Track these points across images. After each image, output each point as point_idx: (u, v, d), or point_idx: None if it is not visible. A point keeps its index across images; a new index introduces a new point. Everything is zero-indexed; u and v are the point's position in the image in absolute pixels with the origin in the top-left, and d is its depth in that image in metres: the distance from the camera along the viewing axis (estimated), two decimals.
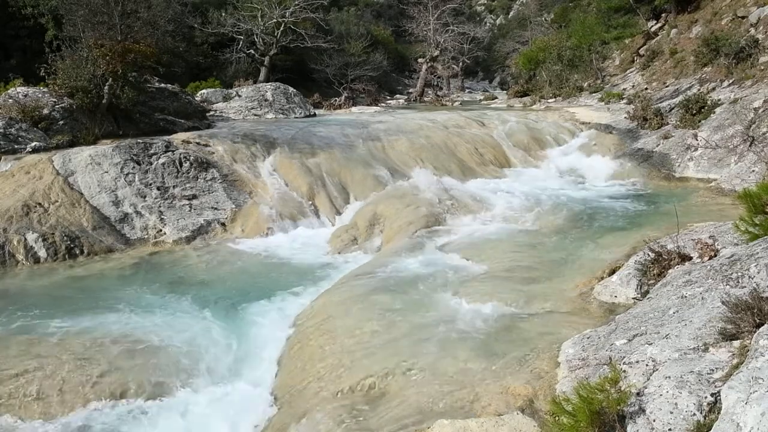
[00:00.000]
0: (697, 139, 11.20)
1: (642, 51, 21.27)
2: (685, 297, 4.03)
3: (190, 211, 9.42)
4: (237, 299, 6.57)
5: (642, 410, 2.79)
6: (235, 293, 6.80)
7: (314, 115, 19.24)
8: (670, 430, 2.63)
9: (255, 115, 17.62)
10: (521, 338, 4.58)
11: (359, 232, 8.93)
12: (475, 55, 35.59)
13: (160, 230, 8.93)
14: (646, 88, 17.54)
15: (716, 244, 4.85)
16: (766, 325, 2.90)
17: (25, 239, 7.86)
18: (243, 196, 10.12)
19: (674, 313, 3.83)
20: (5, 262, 7.58)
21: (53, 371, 4.88)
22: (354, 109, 22.38)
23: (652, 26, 21.80)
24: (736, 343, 3.03)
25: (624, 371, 3.19)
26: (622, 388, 2.84)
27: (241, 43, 24.41)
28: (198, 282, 7.22)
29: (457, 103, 27.20)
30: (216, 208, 9.62)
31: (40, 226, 8.16)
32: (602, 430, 2.81)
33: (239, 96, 18.42)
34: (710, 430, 2.46)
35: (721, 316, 3.25)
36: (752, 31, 14.66)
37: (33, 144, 10.07)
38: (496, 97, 29.19)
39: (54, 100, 11.33)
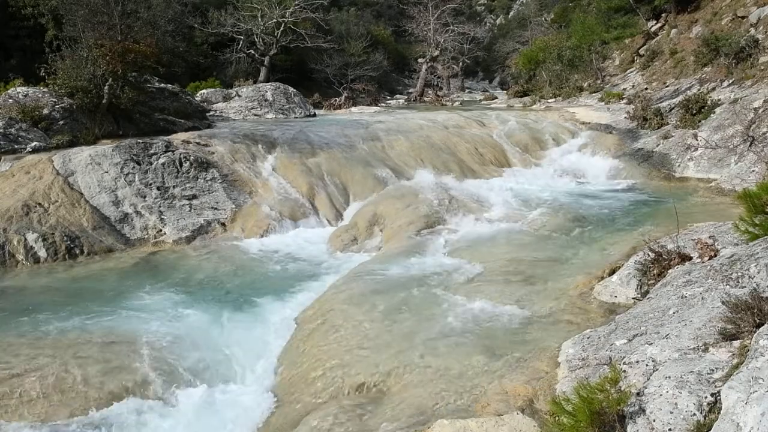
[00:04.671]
0: (697, 139, 11.20)
1: (642, 51, 21.27)
2: (685, 297, 4.03)
3: (190, 211, 9.42)
4: (237, 299, 6.57)
5: (642, 410, 2.79)
6: (235, 293, 6.80)
7: (314, 115, 19.24)
8: (670, 430, 2.63)
9: (255, 115, 17.62)
10: (521, 338, 4.59)
11: (359, 231, 8.93)
12: (475, 55, 35.59)
13: (160, 230, 8.92)
14: (646, 88, 17.54)
15: (716, 244, 4.84)
16: (766, 325, 2.89)
17: (25, 239, 7.86)
18: (243, 196, 10.12)
19: (674, 313, 3.83)
20: (5, 262, 7.58)
21: (53, 371, 4.88)
22: (354, 109, 22.38)
23: (652, 26, 21.80)
24: (736, 343, 3.03)
25: (624, 371, 3.19)
26: (622, 388, 2.84)
27: (241, 43, 24.42)
28: (198, 282, 7.22)
29: (457, 103, 27.20)
30: (216, 208, 9.62)
31: (40, 226, 8.16)
32: (602, 430, 2.81)
33: (239, 96, 18.42)
34: (710, 430, 2.46)
35: (721, 316, 3.25)
36: (752, 31, 14.66)
37: (33, 144, 10.07)
38: (496, 97, 29.19)
39: (54, 100, 11.33)
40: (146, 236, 8.81)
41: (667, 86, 16.42)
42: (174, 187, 9.79)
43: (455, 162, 12.36)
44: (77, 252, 8.06)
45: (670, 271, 4.88)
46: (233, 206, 9.73)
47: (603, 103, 17.48)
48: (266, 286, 7.02)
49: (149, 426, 4.38)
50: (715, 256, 4.64)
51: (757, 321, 3.00)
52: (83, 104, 11.40)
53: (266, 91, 18.83)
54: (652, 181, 11.09)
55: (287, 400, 4.53)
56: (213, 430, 4.37)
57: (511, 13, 52.56)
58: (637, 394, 2.90)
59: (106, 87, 11.47)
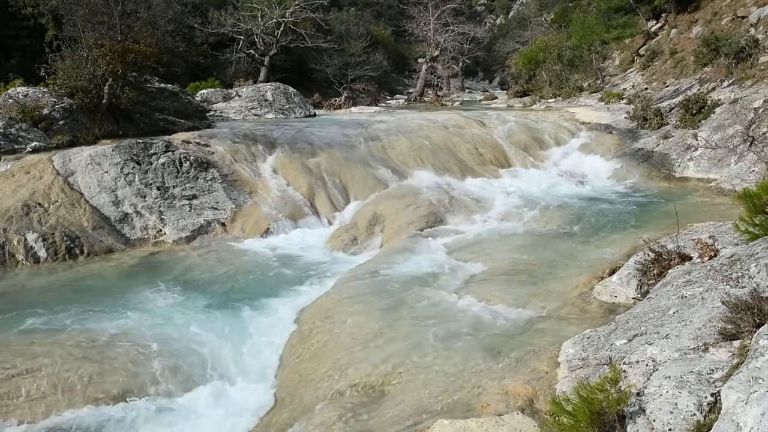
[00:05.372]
0: (697, 139, 11.20)
1: (642, 51, 21.27)
2: (685, 297, 4.03)
3: (190, 211, 9.42)
4: (237, 299, 6.57)
5: (642, 410, 2.79)
6: (235, 293, 6.81)
7: (314, 115, 19.24)
8: (670, 430, 2.63)
9: (255, 115, 17.62)
10: (521, 338, 4.59)
11: (359, 231, 8.93)
12: (475, 55, 35.60)
13: (160, 230, 8.93)
14: (646, 88, 17.54)
15: (716, 244, 4.85)
16: (766, 325, 2.89)
17: (25, 239, 7.86)
18: (243, 196, 10.12)
19: (674, 313, 3.83)
20: (5, 262, 7.58)
21: (53, 371, 4.88)
22: (354, 109, 22.38)
23: (652, 26, 21.80)
24: (736, 343, 3.03)
25: (624, 371, 3.19)
26: (622, 388, 2.84)
27: (241, 43, 24.41)
28: (198, 282, 7.22)
29: (457, 103, 27.20)
30: (216, 208, 9.62)
31: (40, 226, 8.16)
32: (602, 430, 2.81)
33: (239, 96, 18.42)
34: (710, 430, 2.46)
35: (721, 316, 3.25)
36: (752, 31, 14.66)
37: (33, 144, 10.07)
38: (496, 97, 29.18)
39: (54, 100, 11.33)
40: (146, 236, 8.81)
41: (667, 86, 16.42)
42: (174, 187, 9.79)
43: (455, 162, 12.36)
44: (77, 252, 8.05)
45: (670, 271, 4.89)
46: (233, 206, 9.73)
47: (603, 103, 17.48)
48: (266, 286, 7.02)
49: (149, 426, 4.38)
50: (715, 256, 4.64)
51: (757, 321, 3.00)
52: (83, 104, 11.40)
53: (266, 91, 18.83)
54: (652, 181, 11.09)
55: (287, 400, 4.54)
56: (213, 429, 4.37)
57: (511, 13, 52.57)
58: (637, 394, 2.90)
59: (106, 87, 11.47)
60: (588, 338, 4.09)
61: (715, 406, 2.63)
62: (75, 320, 5.93)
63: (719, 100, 12.25)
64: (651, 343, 3.39)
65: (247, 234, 9.11)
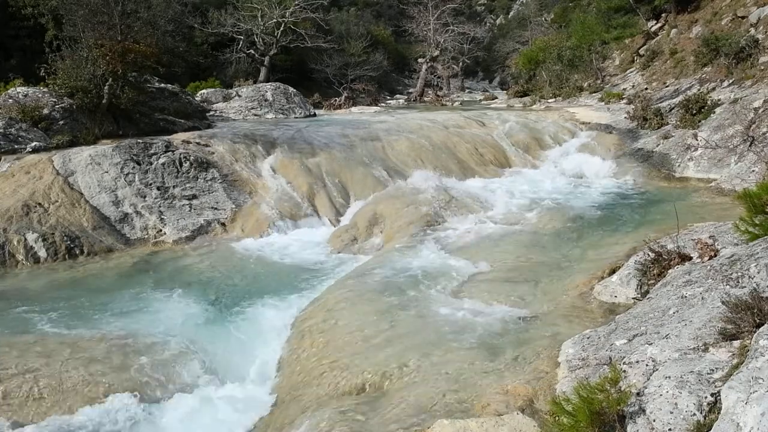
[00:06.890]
0: (697, 139, 11.20)
1: (642, 51, 21.27)
2: (685, 297, 4.02)
3: (190, 211, 9.42)
4: (237, 299, 6.58)
5: (642, 410, 2.79)
6: (235, 293, 6.81)
7: (314, 115, 19.24)
8: (670, 430, 2.63)
9: (255, 115, 17.62)
10: (521, 338, 4.59)
11: (359, 231, 8.93)
12: (475, 55, 35.61)
13: (160, 230, 8.93)
14: (646, 88, 17.54)
15: (716, 244, 4.84)
16: (766, 325, 2.89)
17: (25, 239, 7.86)
18: (243, 196, 10.12)
19: (674, 313, 3.83)
20: (5, 262, 7.58)
21: (53, 371, 4.88)
22: (354, 109, 22.38)
23: (652, 26, 21.80)
24: (736, 343, 3.03)
25: (624, 371, 3.19)
26: (622, 388, 2.84)
27: (241, 43, 24.42)
28: (198, 282, 7.22)
29: (457, 103, 27.20)
30: (216, 208, 9.62)
31: (40, 226, 8.16)
32: (602, 430, 2.81)
33: (239, 96, 18.42)
34: (710, 430, 2.46)
35: (721, 316, 3.25)
36: (752, 31, 14.66)
37: (33, 144, 10.07)
38: (496, 97, 29.19)
39: (54, 100, 11.33)
40: (146, 236, 8.81)
41: (667, 86, 16.42)
42: (174, 187, 9.78)
43: (455, 162, 12.36)
44: (77, 252, 8.05)
45: (670, 271, 4.88)
46: (233, 206, 9.74)
47: (603, 103, 17.48)
48: (266, 286, 7.02)
49: (148, 426, 4.38)
50: (715, 256, 4.63)
51: (757, 321, 3.00)
52: (83, 104, 11.39)
53: (266, 91, 18.83)
54: (652, 181, 11.09)
55: (287, 400, 4.53)
56: (212, 430, 4.37)
57: (511, 13, 52.58)
58: (637, 394, 2.90)
59: (106, 87, 11.46)
60: (588, 338, 4.09)
61: (715, 406, 2.62)
62: (75, 320, 5.93)
63: (719, 100, 12.25)
64: (651, 343, 3.39)
65: (247, 234, 9.11)
